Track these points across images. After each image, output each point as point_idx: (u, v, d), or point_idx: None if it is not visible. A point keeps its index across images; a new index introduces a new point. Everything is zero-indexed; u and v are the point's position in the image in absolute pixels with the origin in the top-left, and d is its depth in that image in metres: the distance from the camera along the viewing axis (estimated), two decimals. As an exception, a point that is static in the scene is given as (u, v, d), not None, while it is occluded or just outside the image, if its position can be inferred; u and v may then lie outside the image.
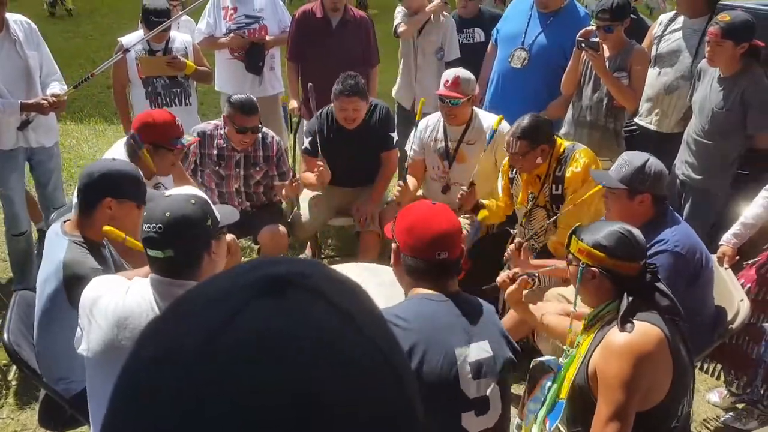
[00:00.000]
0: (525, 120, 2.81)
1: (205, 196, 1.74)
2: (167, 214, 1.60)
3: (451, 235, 1.63)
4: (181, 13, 4.05)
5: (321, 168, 3.24)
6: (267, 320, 0.39)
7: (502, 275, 2.36)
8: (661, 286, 1.80)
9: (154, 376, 0.38)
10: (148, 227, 1.60)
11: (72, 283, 1.91)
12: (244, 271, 0.43)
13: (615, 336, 1.70)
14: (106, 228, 2.04)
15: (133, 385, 0.39)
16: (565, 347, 2.04)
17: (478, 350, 1.59)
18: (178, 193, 1.75)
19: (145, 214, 1.65)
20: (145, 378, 0.38)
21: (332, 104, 3.39)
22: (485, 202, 3.15)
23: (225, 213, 1.81)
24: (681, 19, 3.52)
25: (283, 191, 3.33)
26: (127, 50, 3.51)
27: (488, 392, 1.59)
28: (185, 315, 0.42)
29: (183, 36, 3.85)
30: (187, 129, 3.29)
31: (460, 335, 1.59)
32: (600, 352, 1.73)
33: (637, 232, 1.84)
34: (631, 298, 1.74)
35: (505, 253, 2.71)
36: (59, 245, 2.03)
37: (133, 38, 3.63)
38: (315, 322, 0.40)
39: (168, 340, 0.40)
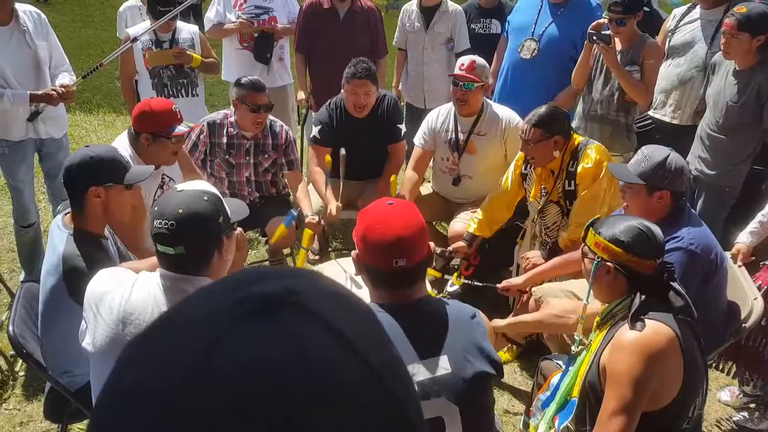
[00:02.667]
0: (542, 108, 2.78)
1: (216, 191, 1.71)
2: (180, 211, 1.56)
3: (408, 240, 1.45)
4: (188, 2, 4.02)
5: (334, 214, 3.22)
6: (253, 348, 0.35)
7: (503, 284, 2.35)
8: (676, 286, 1.75)
9: (129, 406, 0.35)
10: (160, 223, 1.56)
11: (71, 276, 1.91)
12: (231, 288, 0.40)
13: (625, 333, 1.67)
14: None
15: (110, 411, 0.37)
16: (576, 336, 2.01)
17: (432, 367, 1.43)
18: (191, 188, 1.71)
19: (156, 209, 1.61)
20: (121, 407, 0.36)
21: (342, 92, 3.35)
22: (470, 228, 3.14)
23: (235, 208, 1.77)
24: (695, 11, 3.47)
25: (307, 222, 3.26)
26: (135, 39, 3.49)
27: (444, 411, 1.42)
28: (165, 340, 0.38)
29: (190, 26, 3.84)
30: (195, 120, 3.28)
31: (407, 351, 1.42)
32: (610, 349, 1.70)
33: (656, 228, 1.78)
34: (643, 297, 1.70)
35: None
36: (60, 239, 2.02)
37: (140, 29, 3.62)
38: (307, 350, 0.36)
39: (145, 368, 0.37)
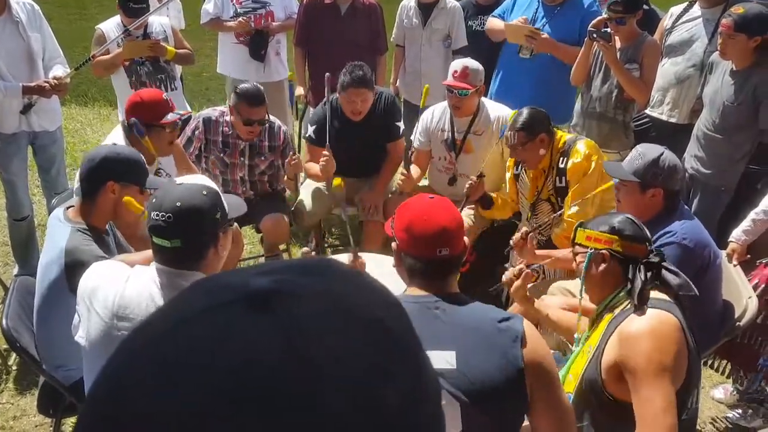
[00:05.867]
0: (522, 113, 2.85)
1: (216, 187, 1.72)
2: (178, 204, 1.56)
3: (452, 230, 1.54)
4: (165, 2, 4.00)
5: (326, 158, 3.20)
6: (206, 336, 0.37)
7: (508, 273, 2.32)
8: (669, 265, 1.78)
9: (100, 381, 0.39)
10: (157, 215, 1.56)
11: (73, 270, 1.89)
12: (249, 275, 0.41)
13: (633, 326, 1.65)
14: (126, 198, 2.04)
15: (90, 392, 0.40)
16: (577, 335, 2.01)
17: (436, 359, 1.42)
18: (190, 182, 1.72)
19: (153, 201, 1.61)
20: (98, 382, 0.39)
21: (338, 95, 3.34)
22: (493, 195, 3.12)
23: (233, 205, 1.78)
24: (693, 10, 3.47)
25: (285, 174, 3.31)
26: (127, 30, 3.46)
27: (443, 404, 1.46)
28: (167, 310, 0.41)
29: (161, 19, 3.79)
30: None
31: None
32: (619, 344, 1.67)
33: (640, 222, 1.86)
34: (645, 274, 1.72)
35: (510, 242, 2.68)
36: (61, 232, 2.01)
37: (112, 25, 3.59)
38: (250, 354, 0.35)
39: (142, 332, 0.40)
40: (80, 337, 1.64)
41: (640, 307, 1.67)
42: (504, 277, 2.34)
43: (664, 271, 1.77)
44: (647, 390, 1.58)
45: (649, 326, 1.63)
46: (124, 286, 1.61)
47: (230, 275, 0.42)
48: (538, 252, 2.72)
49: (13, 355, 2.86)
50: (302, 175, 3.71)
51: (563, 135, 2.91)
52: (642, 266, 1.75)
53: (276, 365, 0.35)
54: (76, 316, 1.68)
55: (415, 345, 0.44)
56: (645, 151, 2.33)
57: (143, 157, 2.22)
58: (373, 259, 2.78)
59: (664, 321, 1.65)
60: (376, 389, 0.37)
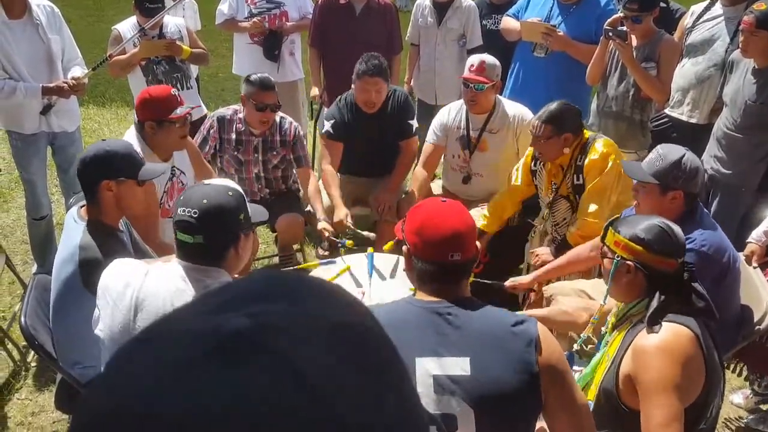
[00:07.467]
0: (554, 105, 2.78)
1: (241, 190, 1.76)
2: (204, 201, 1.62)
3: (464, 234, 1.51)
4: (177, 1, 4.03)
5: (343, 222, 3.16)
6: (199, 394, 0.33)
7: (510, 282, 2.31)
8: (698, 287, 1.72)
9: (80, 417, 0.37)
10: (184, 211, 1.62)
11: (87, 267, 1.92)
12: (209, 312, 0.38)
13: (646, 339, 1.63)
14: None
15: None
16: (583, 335, 2.00)
17: (450, 366, 1.41)
18: (217, 182, 1.78)
19: (181, 198, 1.68)
20: (78, 415, 0.38)
21: (353, 87, 3.34)
22: (483, 219, 3.09)
23: (256, 211, 1.83)
24: (715, 9, 3.42)
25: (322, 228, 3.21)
26: (142, 29, 3.49)
27: (457, 411, 1.40)
28: (135, 359, 0.37)
29: (176, 20, 3.84)
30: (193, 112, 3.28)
31: (429, 345, 1.42)
32: (633, 357, 1.65)
33: (677, 228, 1.76)
34: (663, 297, 1.67)
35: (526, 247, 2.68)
36: (75, 230, 2.04)
37: (128, 25, 3.63)
38: (261, 404, 0.32)
39: (106, 385, 0.37)
40: (100, 330, 1.68)
41: (650, 328, 1.64)
42: (507, 283, 2.32)
43: (692, 293, 1.71)
44: (651, 405, 1.58)
45: (662, 341, 1.60)
46: (144, 280, 1.65)
47: (191, 317, 0.39)
48: (545, 268, 2.73)
49: (32, 352, 2.90)
50: (316, 174, 3.71)
51: (586, 132, 2.87)
52: (660, 294, 1.68)
53: (290, 412, 0.33)
54: (96, 309, 1.71)
55: (391, 346, 0.44)
56: (666, 153, 2.26)
57: (133, 147, 2.21)
58: (386, 260, 2.78)
59: (678, 335, 1.61)
60: (380, 396, 0.37)
